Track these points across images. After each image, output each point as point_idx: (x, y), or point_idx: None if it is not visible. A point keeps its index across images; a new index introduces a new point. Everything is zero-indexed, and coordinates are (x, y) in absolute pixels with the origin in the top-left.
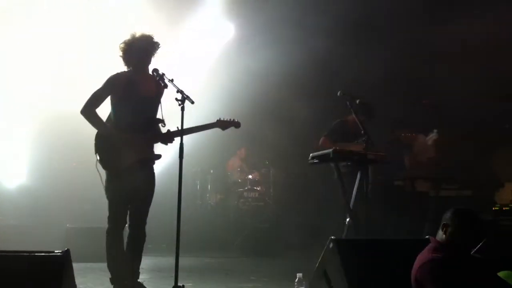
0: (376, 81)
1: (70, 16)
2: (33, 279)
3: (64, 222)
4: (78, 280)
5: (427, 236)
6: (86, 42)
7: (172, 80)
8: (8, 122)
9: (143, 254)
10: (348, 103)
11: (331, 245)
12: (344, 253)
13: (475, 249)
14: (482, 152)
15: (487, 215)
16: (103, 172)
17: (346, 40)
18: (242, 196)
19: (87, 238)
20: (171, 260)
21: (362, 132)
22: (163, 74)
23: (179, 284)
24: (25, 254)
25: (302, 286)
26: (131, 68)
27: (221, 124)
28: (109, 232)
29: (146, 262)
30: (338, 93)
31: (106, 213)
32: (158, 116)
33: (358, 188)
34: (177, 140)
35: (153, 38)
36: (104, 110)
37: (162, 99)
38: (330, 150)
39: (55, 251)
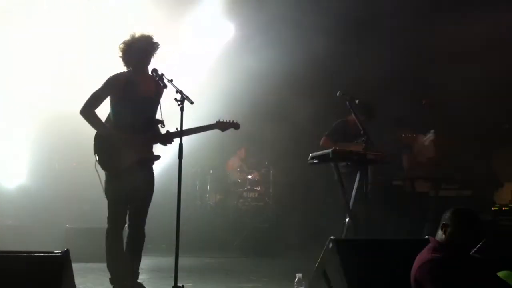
0: (377, 81)
1: (70, 16)
2: (32, 279)
3: (64, 222)
4: (77, 280)
5: (426, 236)
6: (86, 42)
7: (171, 80)
8: (8, 122)
9: (142, 254)
10: (347, 103)
11: (330, 245)
12: (343, 253)
13: (474, 249)
14: (481, 152)
15: (487, 215)
16: (102, 173)
17: (346, 40)
18: (242, 196)
19: (87, 238)
20: (171, 260)
21: (362, 132)
22: (163, 74)
23: (179, 284)
24: (24, 254)
25: (301, 286)
26: (130, 68)
27: (221, 125)
28: (109, 232)
29: (145, 262)
30: (338, 93)
31: (105, 213)
32: (158, 116)
33: (357, 188)
34: (176, 140)
35: (153, 39)
36: (104, 110)
37: (162, 100)
38: (330, 150)
39: (55, 252)
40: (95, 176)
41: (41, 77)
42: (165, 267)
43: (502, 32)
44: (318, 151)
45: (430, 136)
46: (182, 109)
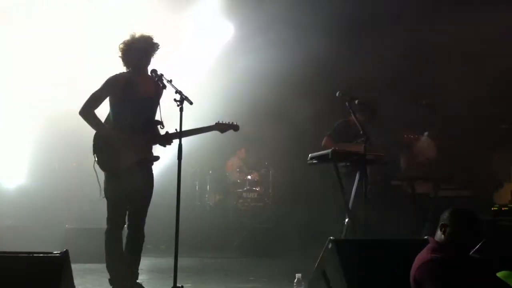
0: (377, 81)
1: (70, 16)
2: (31, 279)
3: (63, 222)
4: (77, 281)
5: (426, 237)
6: (86, 42)
7: (170, 81)
8: (8, 122)
9: (142, 254)
10: (347, 103)
11: (330, 245)
12: (343, 254)
13: (474, 249)
14: (481, 152)
15: (486, 215)
16: (101, 173)
17: (346, 40)
18: (241, 197)
19: (86, 238)
20: (170, 261)
21: (361, 132)
22: (162, 75)
23: (178, 284)
24: (23, 254)
25: (301, 287)
26: (130, 69)
27: (220, 127)
28: (108, 232)
29: (145, 262)
30: (337, 94)
31: (105, 213)
32: (157, 117)
33: (357, 189)
34: (175, 141)
35: (153, 39)
36: (103, 110)
37: (161, 100)
38: (329, 150)
39: (54, 252)
40: (94, 177)
41: (41, 77)
42: (165, 268)
43: (502, 32)
44: (318, 151)
45: (424, 137)
46: (181, 110)
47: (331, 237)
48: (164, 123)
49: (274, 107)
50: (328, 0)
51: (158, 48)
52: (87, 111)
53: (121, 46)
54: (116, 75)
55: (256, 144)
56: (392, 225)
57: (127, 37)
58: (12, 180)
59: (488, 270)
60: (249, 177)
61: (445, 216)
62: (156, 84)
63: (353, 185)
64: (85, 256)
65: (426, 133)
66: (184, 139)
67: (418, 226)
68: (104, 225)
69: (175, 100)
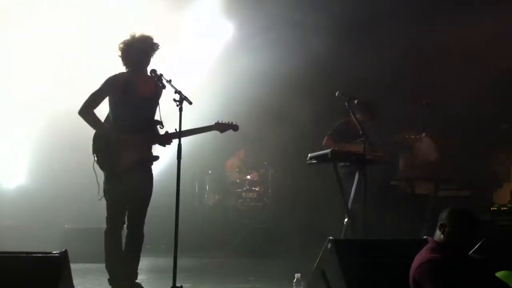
0: (377, 81)
1: (70, 16)
2: (31, 280)
3: (63, 222)
4: (76, 281)
5: (425, 237)
6: (86, 42)
7: (170, 81)
8: (8, 122)
9: (141, 254)
10: (346, 103)
11: (329, 245)
12: (342, 254)
13: (473, 249)
14: (480, 152)
15: (486, 215)
16: (100, 173)
17: (346, 40)
18: (241, 197)
19: (85, 238)
20: (170, 261)
21: (360, 132)
22: (161, 75)
23: (178, 284)
24: (23, 255)
25: (300, 287)
26: (130, 68)
27: (219, 126)
28: (108, 232)
29: (144, 262)
30: (336, 94)
31: (104, 213)
32: (156, 117)
33: (356, 189)
34: (175, 141)
35: (153, 39)
36: (102, 110)
37: (160, 100)
38: (328, 150)
39: (53, 252)
40: (94, 177)
41: (41, 77)
42: (164, 268)
43: (502, 32)
44: (318, 151)
45: (426, 139)
46: (180, 110)
47: (330, 237)
48: (164, 123)
49: (274, 107)
50: (328, 0)
51: (158, 49)
52: (87, 111)
53: (121, 45)
54: (116, 74)
55: (255, 144)
56: (391, 225)
57: (127, 37)
58: (12, 180)
59: (488, 270)
60: (248, 177)
61: (444, 216)
62: (156, 84)
63: (352, 185)
64: (84, 256)
65: (423, 134)
66: (183, 139)
67: (417, 226)
68: (103, 225)
69: (174, 100)
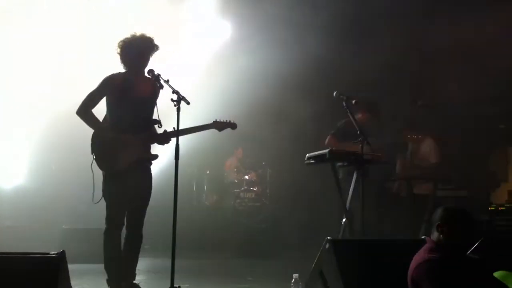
0: (377, 81)
1: (70, 16)
2: (28, 280)
3: (62, 223)
4: (74, 282)
5: (423, 237)
6: (86, 42)
7: (167, 81)
8: (8, 122)
9: (139, 255)
10: (344, 103)
11: (327, 245)
12: (340, 254)
13: (471, 249)
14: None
15: (483, 215)
16: (99, 173)
17: (346, 39)
18: (239, 197)
19: (83, 239)
20: (168, 261)
21: (358, 132)
22: (159, 75)
23: (176, 285)
24: (20, 255)
25: (298, 287)
26: (127, 68)
27: (218, 125)
28: (106, 232)
29: (142, 263)
30: (334, 94)
31: (102, 214)
32: (154, 117)
33: (354, 189)
34: (173, 140)
35: (152, 40)
36: (102, 110)
37: (158, 100)
38: (326, 150)
39: (50, 253)
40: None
41: (41, 77)
42: (162, 268)
43: (502, 32)
44: (316, 151)
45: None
46: (178, 110)
47: (328, 237)
48: (162, 122)
49: (273, 107)
50: (328, 0)
51: (157, 49)
52: (84, 111)
53: (121, 43)
54: (113, 74)
55: (254, 144)
56: (389, 225)
57: (127, 36)
58: (11, 181)
59: (485, 270)
60: (246, 177)
61: (440, 215)
62: (153, 84)
63: (350, 185)
64: (82, 257)
65: (426, 135)
66: (181, 139)
67: (415, 226)
68: (101, 225)
69: (172, 100)
